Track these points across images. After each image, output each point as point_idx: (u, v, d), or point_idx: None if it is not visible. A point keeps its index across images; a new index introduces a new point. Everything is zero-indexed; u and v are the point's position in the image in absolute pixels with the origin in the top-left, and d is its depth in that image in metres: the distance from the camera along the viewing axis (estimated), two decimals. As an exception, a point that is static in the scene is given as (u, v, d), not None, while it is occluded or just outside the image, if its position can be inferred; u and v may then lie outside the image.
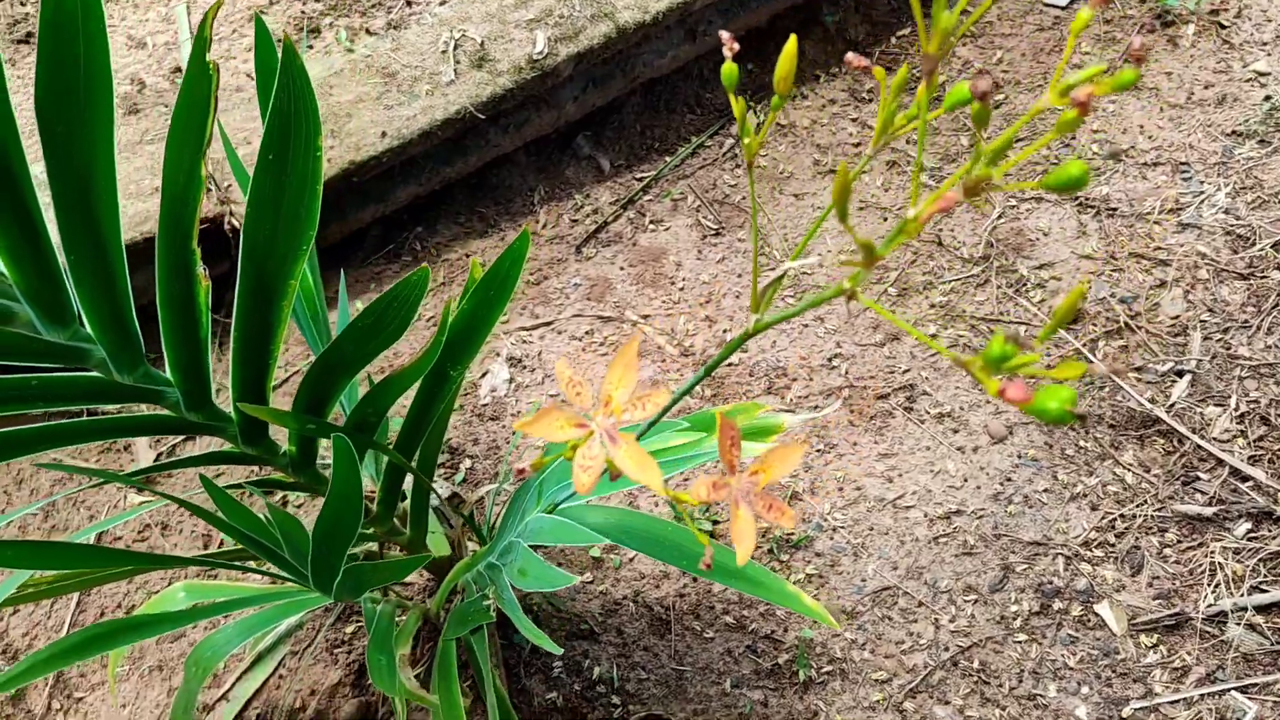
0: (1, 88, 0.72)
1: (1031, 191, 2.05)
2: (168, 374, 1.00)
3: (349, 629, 1.58)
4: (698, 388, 1.79)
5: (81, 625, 1.59)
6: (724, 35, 0.54)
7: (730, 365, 1.83)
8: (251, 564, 1.15)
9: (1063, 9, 2.37)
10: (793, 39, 0.56)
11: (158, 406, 1.03)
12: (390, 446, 1.17)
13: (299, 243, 0.85)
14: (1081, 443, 1.72)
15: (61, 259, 0.83)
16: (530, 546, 1.18)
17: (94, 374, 0.94)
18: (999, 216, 2.00)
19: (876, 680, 1.51)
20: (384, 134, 1.76)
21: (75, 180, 0.76)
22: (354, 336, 0.87)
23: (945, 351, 0.50)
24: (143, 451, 1.75)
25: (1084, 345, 1.82)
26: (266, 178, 0.76)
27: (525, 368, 1.85)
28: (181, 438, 1.78)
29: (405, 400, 1.14)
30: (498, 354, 1.87)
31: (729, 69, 0.57)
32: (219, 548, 1.55)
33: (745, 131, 0.54)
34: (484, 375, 1.85)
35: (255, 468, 1.51)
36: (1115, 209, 2.01)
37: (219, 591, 1.28)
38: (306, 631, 1.59)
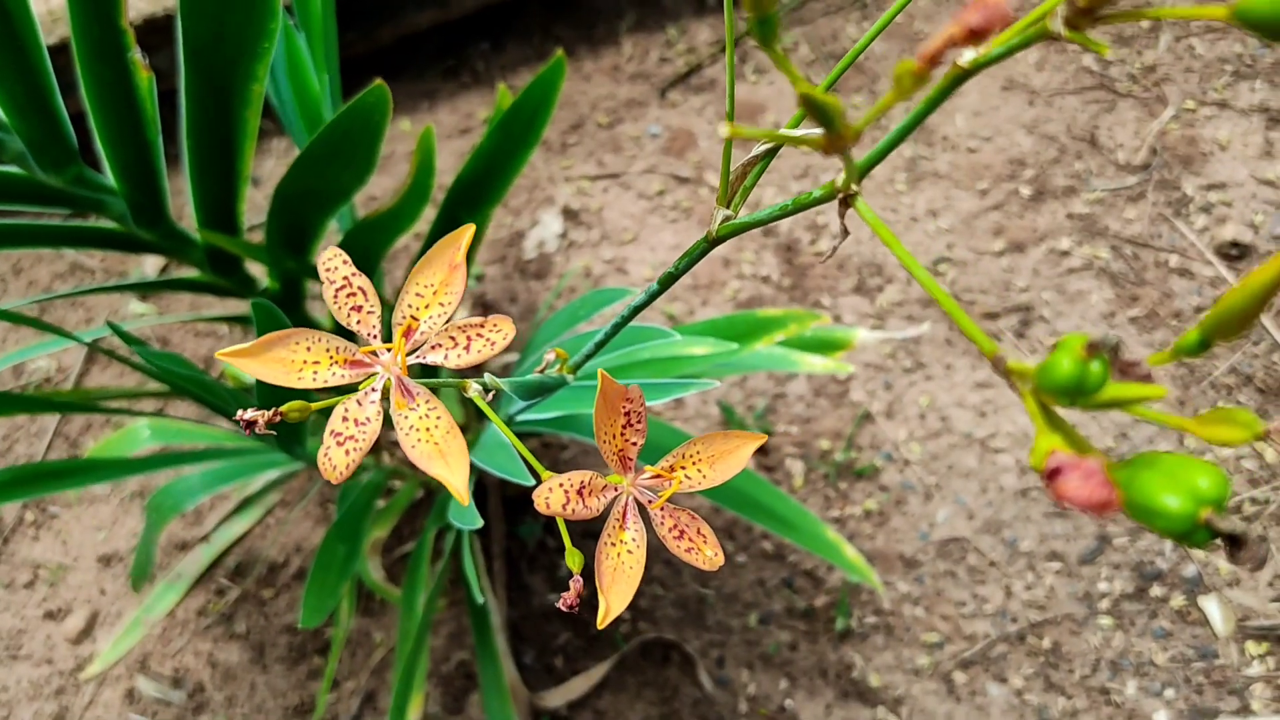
0: None
1: (1216, 94, 1.69)
2: (110, 181, 0.80)
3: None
4: (776, 278, 1.54)
5: (66, 436, 1.46)
6: None
7: (818, 255, 1.56)
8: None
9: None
10: None
11: (104, 218, 0.84)
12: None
13: (255, 36, 0.62)
14: (1221, 405, 1.44)
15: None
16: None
17: (10, 168, 0.75)
18: (1172, 118, 1.66)
19: (926, 643, 1.30)
20: (452, -78, 1.49)
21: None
22: (311, 164, 0.65)
23: (976, 332, 0.28)
24: (151, 267, 1.58)
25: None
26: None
27: (582, 223, 1.62)
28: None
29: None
30: (552, 202, 1.63)
31: None
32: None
33: None
34: (534, 226, 1.62)
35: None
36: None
37: (185, 435, 1.11)
38: (301, 482, 1.44)
